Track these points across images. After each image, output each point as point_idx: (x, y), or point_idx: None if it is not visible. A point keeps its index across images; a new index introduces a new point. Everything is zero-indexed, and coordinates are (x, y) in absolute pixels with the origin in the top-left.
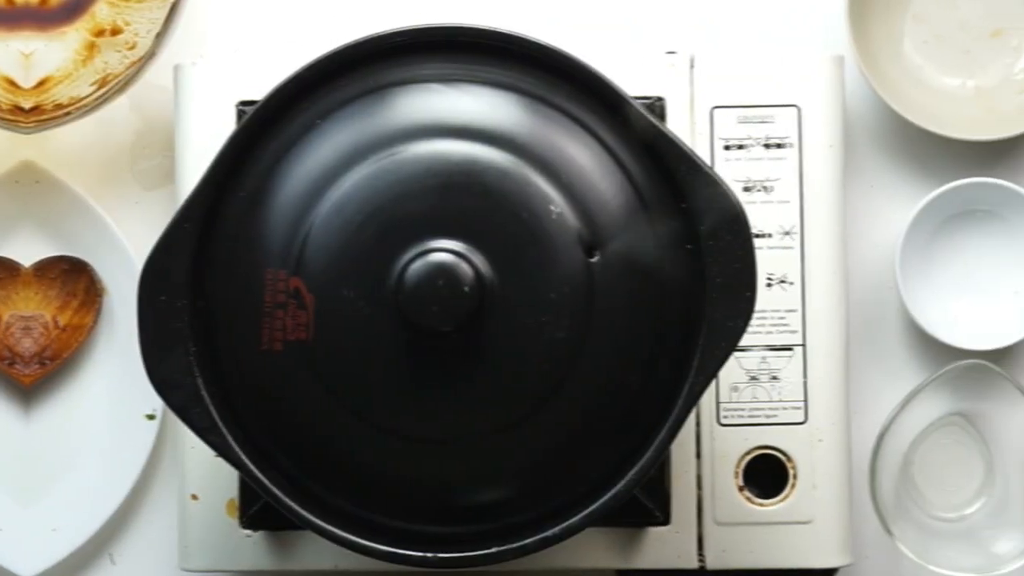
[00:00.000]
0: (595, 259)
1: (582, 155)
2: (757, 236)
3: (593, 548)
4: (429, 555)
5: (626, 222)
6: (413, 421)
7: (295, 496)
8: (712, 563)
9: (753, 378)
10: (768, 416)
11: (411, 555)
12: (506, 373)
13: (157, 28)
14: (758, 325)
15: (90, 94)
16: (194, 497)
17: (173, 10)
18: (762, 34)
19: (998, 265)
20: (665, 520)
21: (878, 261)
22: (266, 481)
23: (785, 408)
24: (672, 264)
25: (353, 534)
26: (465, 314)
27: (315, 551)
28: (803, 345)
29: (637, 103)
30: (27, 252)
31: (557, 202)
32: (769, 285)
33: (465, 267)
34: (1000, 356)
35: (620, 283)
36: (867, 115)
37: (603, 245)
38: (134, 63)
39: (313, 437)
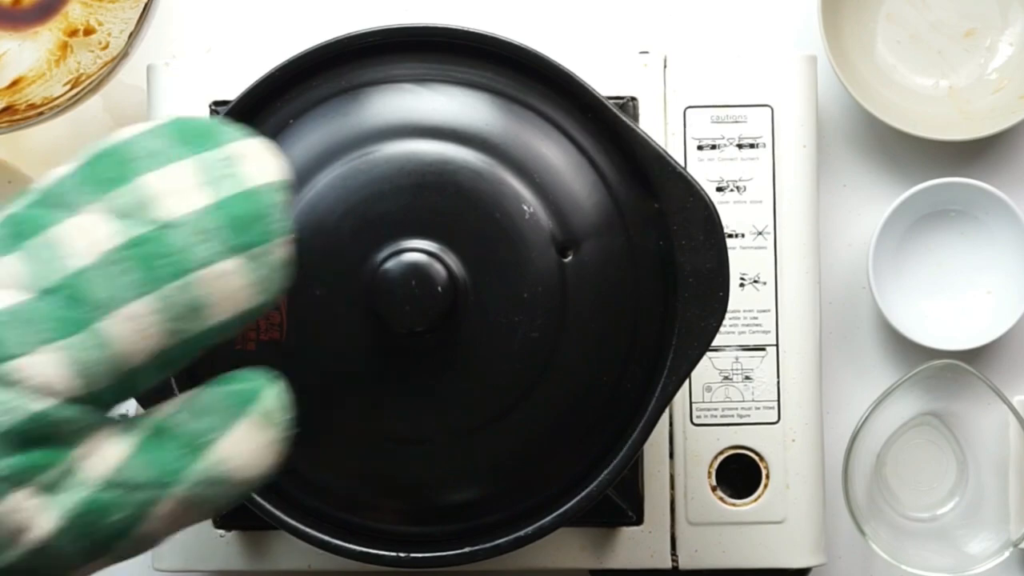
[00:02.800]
0: (568, 259)
1: (555, 155)
2: (730, 236)
3: (566, 548)
4: (402, 555)
5: (599, 222)
6: (386, 421)
7: (268, 496)
8: (685, 563)
9: (726, 378)
10: (741, 416)
11: (384, 555)
12: (480, 373)
13: (130, 28)
14: (731, 325)
15: (63, 94)
16: None
17: (146, 10)
18: (735, 34)
19: (971, 265)
20: (638, 520)
21: (851, 261)
22: None
23: (758, 408)
24: (645, 264)
25: (326, 534)
26: (438, 314)
27: (288, 551)
28: (776, 345)
29: (610, 103)
30: None
31: (530, 202)
32: (742, 285)
33: (438, 267)
34: (973, 356)
35: (593, 283)
36: (840, 115)
37: (576, 245)
38: (107, 63)
39: (286, 437)
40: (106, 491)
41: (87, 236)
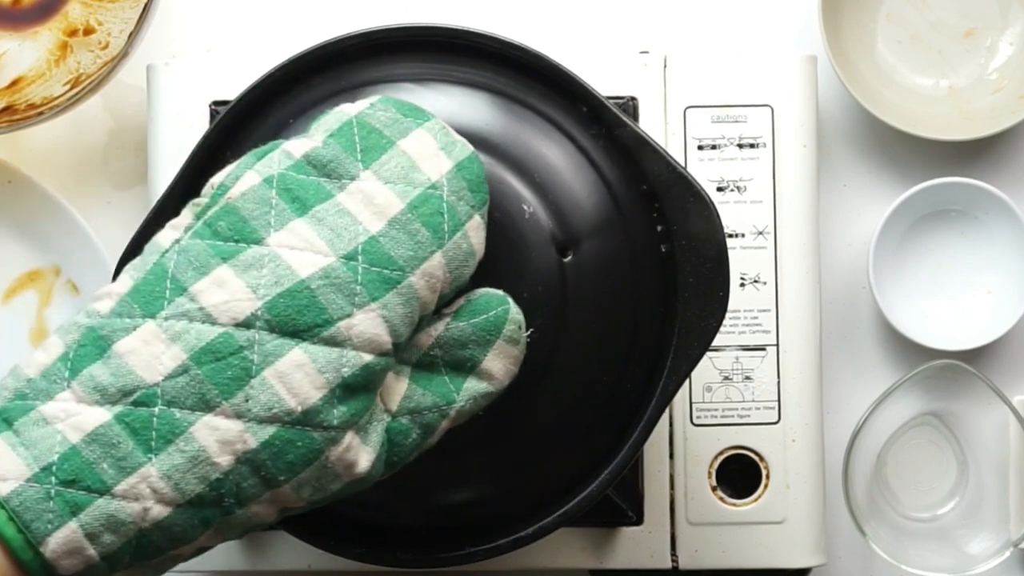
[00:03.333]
0: (568, 258)
1: (555, 154)
2: (730, 236)
3: (566, 548)
4: (402, 555)
5: (599, 221)
6: None
7: None
8: (685, 563)
9: (726, 378)
10: (741, 416)
11: (384, 555)
12: None
13: (130, 28)
14: (731, 325)
15: (63, 94)
16: None
17: (146, 10)
18: (735, 34)
19: (971, 265)
20: (638, 520)
21: (851, 261)
22: None
23: (758, 408)
24: (645, 264)
25: (326, 534)
26: None
27: (289, 551)
28: (776, 345)
29: (610, 103)
30: None
31: (530, 201)
32: (742, 285)
33: None
34: (973, 356)
35: (593, 282)
36: (840, 115)
37: (576, 244)
38: (107, 63)
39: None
40: (402, 417)
41: (371, 203)
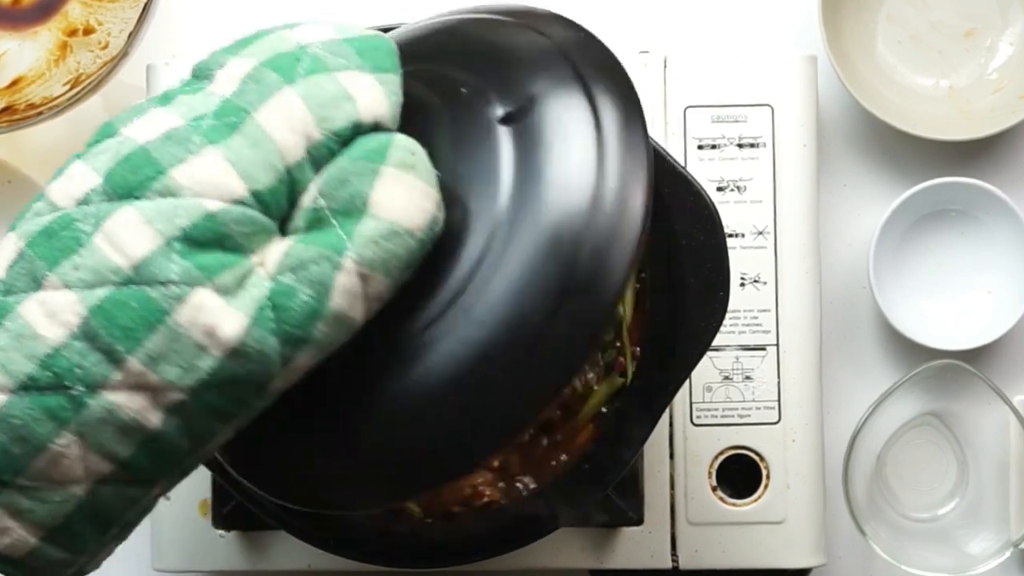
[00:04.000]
0: (509, 126)
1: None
2: (731, 236)
3: (567, 548)
4: (401, 555)
5: (548, 84)
6: (386, 417)
7: (269, 495)
8: (685, 563)
9: (727, 378)
10: (741, 416)
11: (384, 555)
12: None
13: (130, 28)
14: (732, 325)
15: (63, 94)
16: (166, 497)
17: (145, 10)
18: (735, 34)
19: (971, 265)
20: (638, 520)
21: (851, 261)
22: (240, 480)
23: (758, 408)
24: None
25: (326, 534)
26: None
27: (288, 551)
28: (776, 345)
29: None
30: None
31: (470, 83)
32: (743, 285)
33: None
34: (973, 356)
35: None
36: (840, 115)
37: (521, 114)
38: (107, 63)
39: (282, 438)
40: (283, 276)
41: (226, 74)
